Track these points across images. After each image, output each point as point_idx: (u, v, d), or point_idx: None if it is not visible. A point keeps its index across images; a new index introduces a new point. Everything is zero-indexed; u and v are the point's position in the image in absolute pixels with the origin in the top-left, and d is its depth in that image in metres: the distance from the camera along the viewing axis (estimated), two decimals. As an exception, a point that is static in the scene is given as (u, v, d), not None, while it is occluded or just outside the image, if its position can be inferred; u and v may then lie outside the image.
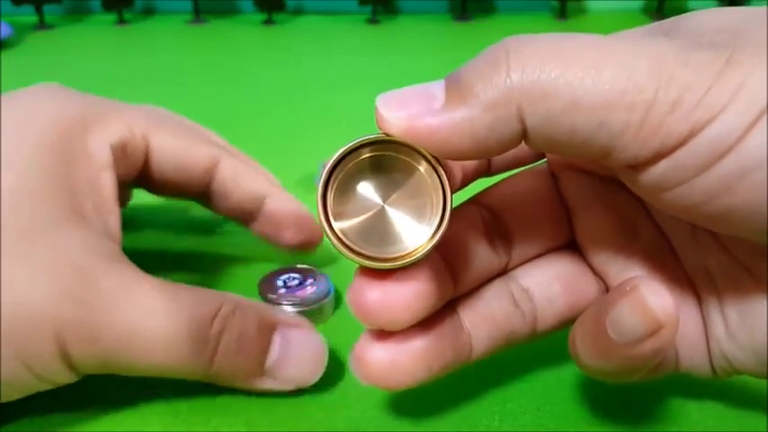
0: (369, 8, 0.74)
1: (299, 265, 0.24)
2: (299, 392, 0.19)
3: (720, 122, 0.12)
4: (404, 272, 0.15)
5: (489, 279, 0.18)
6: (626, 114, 0.13)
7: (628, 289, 0.14)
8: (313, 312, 0.22)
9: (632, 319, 0.14)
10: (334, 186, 0.15)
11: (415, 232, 0.14)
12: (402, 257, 0.14)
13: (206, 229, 0.29)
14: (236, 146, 0.26)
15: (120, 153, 0.21)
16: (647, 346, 0.14)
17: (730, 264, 0.16)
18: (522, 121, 0.13)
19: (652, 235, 0.18)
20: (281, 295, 0.22)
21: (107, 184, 0.20)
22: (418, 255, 0.14)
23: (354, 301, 0.15)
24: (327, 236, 0.14)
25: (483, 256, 0.17)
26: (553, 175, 0.19)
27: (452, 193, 0.15)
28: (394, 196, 0.15)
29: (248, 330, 0.18)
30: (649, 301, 0.14)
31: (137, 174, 0.22)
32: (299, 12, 0.79)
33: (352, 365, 0.16)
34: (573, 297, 0.18)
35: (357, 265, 0.15)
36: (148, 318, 0.17)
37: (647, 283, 0.14)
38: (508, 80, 0.13)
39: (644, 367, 0.15)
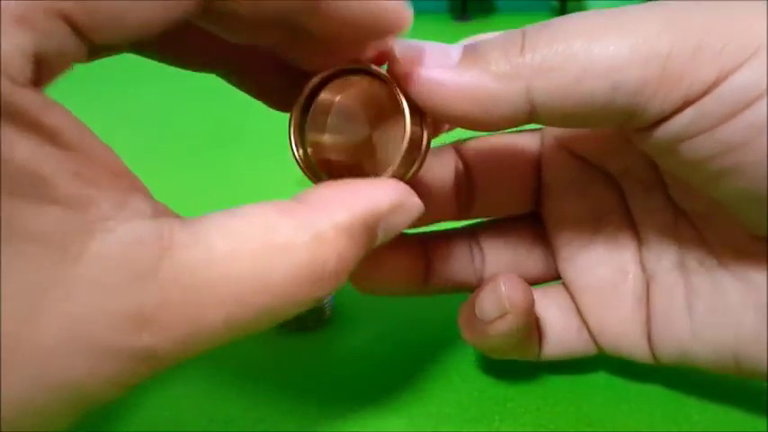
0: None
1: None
2: (299, 392, 0.19)
3: (749, 69, 0.12)
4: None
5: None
6: (641, 70, 0.13)
7: (493, 280, 0.16)
8: (313, 312, 0.22)
9: (488, 303, 0.16)
10: (309, 117, 0.15)
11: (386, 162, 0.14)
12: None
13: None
14: (236, 146, 0.26)
15: None
16: (499, 326, 0.16)
17: (710, 261, 0.16)
18: (530, 101, 0.13)
19: (617, 229, 0.18)
20: (282, 295, 0.22)
21: None
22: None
23: None
24: (299, 164, 0.15)
25: (446, 203, 0.18)
26: (540, 146, 0.19)
27: (426, 133, 0.15)
28: (366, 126, 0.15)
29: None
30: (502, 290, 0.16)
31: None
32: (300, 12, 0.79)
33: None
34: (516, 271, 0.18)
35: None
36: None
37: (509, 276, 0.16)
38: (521, 58, 0.13)
39: (505, 343, 0.17)
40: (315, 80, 0.15)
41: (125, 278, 0.11)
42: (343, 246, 0.13)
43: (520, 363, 0.21)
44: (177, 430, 0.18)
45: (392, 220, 0.14)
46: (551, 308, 0.19)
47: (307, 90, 0.15)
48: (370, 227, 0.13)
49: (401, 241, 0.17)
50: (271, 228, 0.12)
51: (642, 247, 0.18)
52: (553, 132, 0.18)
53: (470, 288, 0.19)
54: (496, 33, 0.14)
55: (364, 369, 0.20)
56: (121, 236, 0.11)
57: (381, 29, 0.14)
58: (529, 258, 0.19)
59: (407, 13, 0.15)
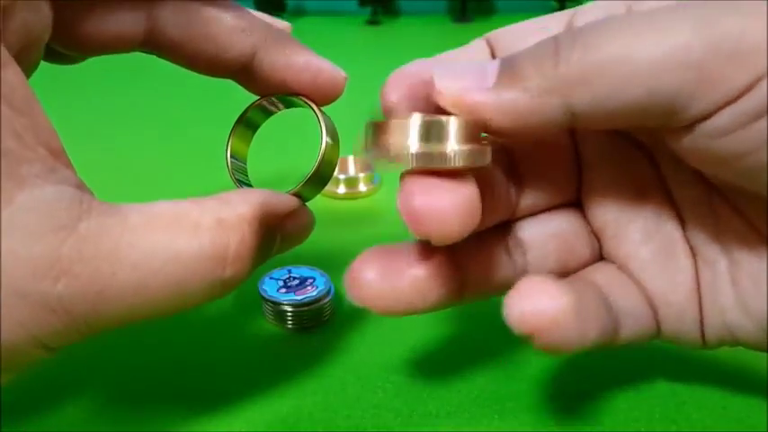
0: (369, 9, 0.75)
1: (299, 266, 0.24)
2: (299, 392, 0.19)
3: None
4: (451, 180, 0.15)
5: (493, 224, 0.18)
6: (677, 76, 0.13)
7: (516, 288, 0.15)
8: (313, 312, 0.22)
9: (512, 319, 0.15)
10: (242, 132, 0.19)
11: None
12: None
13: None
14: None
15: None
16: (534, 342, 0.15)
17: (751, 234, 0.16)
18: (569, 112, 0.14)
19: (659, 201, 0.18)
20: (281, 295, 0.22)
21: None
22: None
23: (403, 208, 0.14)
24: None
25: (505, 200, 0.18)
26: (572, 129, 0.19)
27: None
28: None
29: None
30: (521, 308, 0.15)
31: None
32: (299, 13, 0.79)
33: (346, 284, 0.16)
34: (565, 257, 0.18)
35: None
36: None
37: (533, 285, 0.15)
38: (556, 71, 0.14)
39: (564, 349, 0.15)
40: (255, 102, 0.19)
41: (46, 229, 0.12)
42: (244, 232, 0.15)
43: (519, 362, 0.21)
44: (177, 430, 0.18)
45: (288, 226, 0.17)
46: (614, 286, 0.17)
47: (247, 111, 0.19)
48: (269, 225, 0.16)
49: (430, 251, 0.17)
50: (181, 211, 0.14)
51: (682, 220, 0.17)
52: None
53: (508, 289, 0.17)
54: (530, 46, 0.15)
55: (363, 369, 0.20)
56: (47, 193, 0.13)
57: (318, 86, 0.18)
58: (576, 241, 0.18)
59: (340, 74, 0.20)
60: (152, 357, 0.21)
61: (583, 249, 0.18)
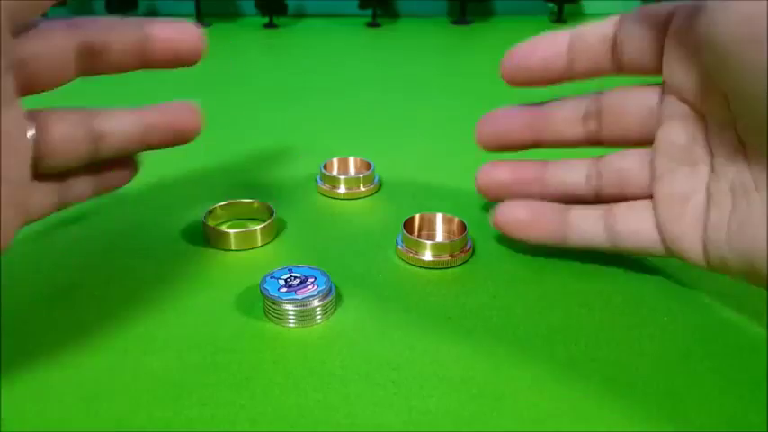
0: (369, 11, 0.75)
1: (300, 265, 0.25)
2: (300, 390, 0.20)
3: None
4: None
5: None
6: None
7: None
8: (314, 312, 0.23)
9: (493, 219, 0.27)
10: None
11: None
12: None
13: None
14: (237, 148, 0.27)
15: None
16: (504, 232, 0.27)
17: (750, 186, 0.20)
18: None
19: (699, 156, 0.22)
20: (283, 294, 0.23)
21: None
22: None
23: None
24: None
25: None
26: (660, 95, 0.23)
27: None
28: None
29: None
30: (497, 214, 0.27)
31: None
32: (300, 15, 0.79)
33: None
34: (622, 187, 0.25)
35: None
36: None
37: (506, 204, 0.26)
38: None
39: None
40: None
41: None
42: None
43: (519, 360, 0.21)
44: (177, 430, 0.18)
45: None
46: (630, 213, 0.24)
47: None
48: None
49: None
50: None
51: (711, 172, 0.22)
52: (670, 84, 0.23)
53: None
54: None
55: (363, 367, 0.21)
56: None
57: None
58: (634, 179, 0.25)
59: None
60: (152, 357, 0.21)
61: (638, 186, 0.25)
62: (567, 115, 0.26)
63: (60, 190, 0.23)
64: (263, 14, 0.73)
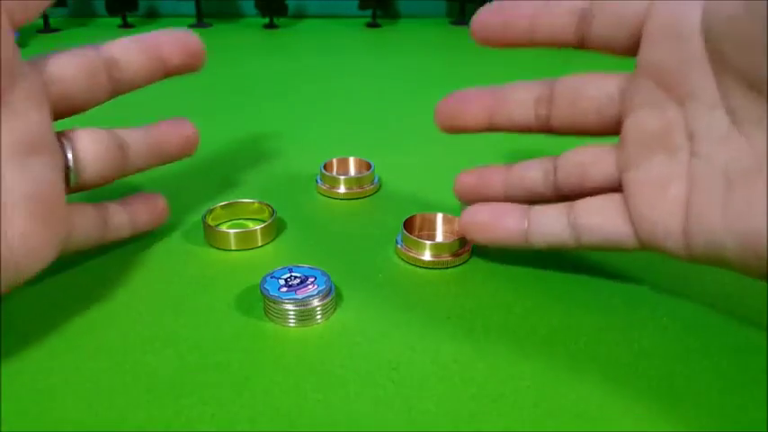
0: (369, 12, 0.75)
1: (300, 265, 0.25)
2: (300, 390, 0.20)
3: None
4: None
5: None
6: None
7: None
8: (314, 312, 0.23)
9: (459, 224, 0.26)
10: None
11: None
12: None
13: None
14: (237, 148, 0.27)
15: None
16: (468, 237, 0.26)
17: (750, 167, 0.19)
18: None
19: (679, 141, 0.21)
20: (283, 294, 0.23)
21: None
22: None
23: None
24: None
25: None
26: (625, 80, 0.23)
27: None
28: None
29: None
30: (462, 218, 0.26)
31: None
32: (300, 15, 0.79)
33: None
34: (582, 180, 0.24)
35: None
36: None
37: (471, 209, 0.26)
38: None
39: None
40: None
41: None
42: None
43: (519, 360, 0.21)
44: (179, 429, 0.18)
45: None
46: (593, 206, 0.24)
47: None
48: None
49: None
50: None
51: (694, 155, 0.21)
52: (648, 66, 0.22)
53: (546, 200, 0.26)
54: None
55: (363, 367, 0.21)
56: None
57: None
58: (594, 169, 0.24)
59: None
60: (152, 357, 0.21)
61: (599, 179, 0.24)
62: (519, 97, 0.25)
63: (98, 216, 0.25)
64: (264, 15, 0.73)
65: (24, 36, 0.63)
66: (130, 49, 0.25)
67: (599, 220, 0.23)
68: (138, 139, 0.26)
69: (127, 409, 0.19)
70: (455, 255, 0.26)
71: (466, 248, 0.27)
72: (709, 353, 0.21)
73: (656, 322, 0.23)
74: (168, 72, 0.26)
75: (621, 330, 0.22)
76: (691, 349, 0.21)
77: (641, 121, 0.22)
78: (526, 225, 0.24)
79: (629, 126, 0.22)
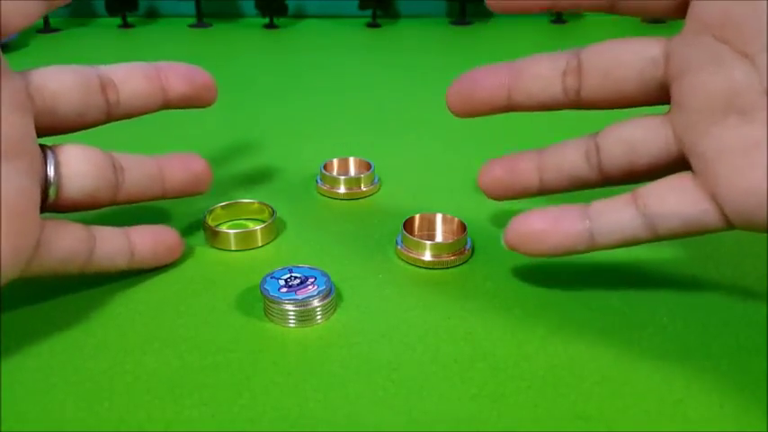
0: (369, 12, 0.75)
1: (300, 265, 0.25)
2: (300, 390, 0.20)
3: None
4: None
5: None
6: None
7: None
8: (314, 312, 0.23)
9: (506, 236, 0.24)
10: None
11: None
12: None
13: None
14: (237, 148, 0.27)
15: None
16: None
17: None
18: None
19: (751, 102, 0.19)
20: (283, 294, 0.23)
21: None
22: None
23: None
24: None
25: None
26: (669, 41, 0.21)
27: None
28: None
29: None
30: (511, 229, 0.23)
31: None
32: (300, 15, 0.79)
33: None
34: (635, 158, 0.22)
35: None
36: None
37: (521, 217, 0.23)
38: None
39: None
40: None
41: None
42: None
43: (517, 359, 0.21)
44: (179, 429, 0.18)
45: None
46: (662, 189, 0.21)
47: None
48: None
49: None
50: None
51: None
52: (706, 19, 0.20)
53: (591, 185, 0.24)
54: None
55: (364, 367, 0.21)
56: None
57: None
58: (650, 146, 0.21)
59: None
60: (152, 357, 0.21)
61: (652, 154, 0.22)
62: (541, 71, 0.23)
63: (88, 238, 0.23)
64: (264, 15, 0.73)
65: (24, 36, 0.63)
66: (131, 72, 0.24)
67: (674, 202, 0.20)
68: (136, 165, 0.25)
69: (127, 409, 0.19)
70: (455, 255, 0.26)
71: (466, 249, 0.27)
72: (709, 353, 0.21)
73: (655, 322, 0.23)
74: (169, 101, 0.25)
75: (621, 330, 0.22)
76: (691, 349, 0.21)
77: (703, 82, 0.20)
78: (588, 224, 0.22)
79: (687, 90, 0.20)
